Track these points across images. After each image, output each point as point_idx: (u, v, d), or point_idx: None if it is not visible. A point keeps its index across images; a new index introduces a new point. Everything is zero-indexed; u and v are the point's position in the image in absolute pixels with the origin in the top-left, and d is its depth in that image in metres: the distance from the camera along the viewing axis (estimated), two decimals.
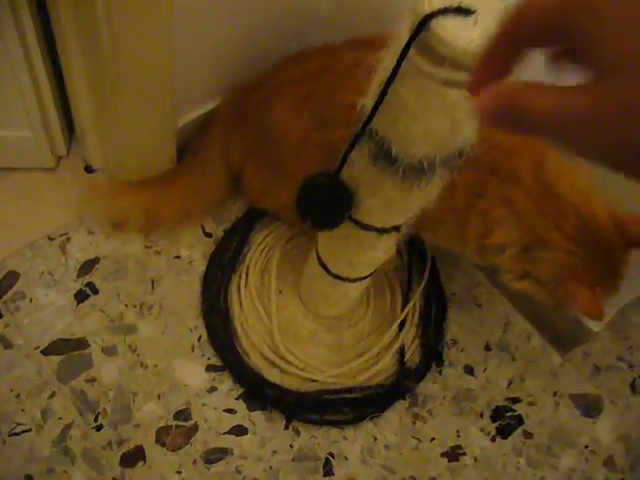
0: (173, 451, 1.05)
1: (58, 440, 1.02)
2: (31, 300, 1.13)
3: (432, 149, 0.67)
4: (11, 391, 1.05)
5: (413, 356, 1.18)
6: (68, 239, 1.19)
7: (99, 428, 1.04)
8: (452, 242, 1.04)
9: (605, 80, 0.29)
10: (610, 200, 0.88)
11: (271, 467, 1.06)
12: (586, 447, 1.17)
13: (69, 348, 1.10)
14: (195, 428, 1.07)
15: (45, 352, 1.09)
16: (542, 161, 0.89)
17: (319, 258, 1.02)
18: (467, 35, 0.54)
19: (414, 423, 1.14)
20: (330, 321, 1.18)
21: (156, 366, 1.11)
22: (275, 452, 1.07)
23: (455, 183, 0.76)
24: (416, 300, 1.22)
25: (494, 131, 0.38)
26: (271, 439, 1.08)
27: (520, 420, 1.17)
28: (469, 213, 0.94)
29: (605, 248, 0.86)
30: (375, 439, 1.11)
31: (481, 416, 1.16)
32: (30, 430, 1.03)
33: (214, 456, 1.06)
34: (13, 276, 1.14)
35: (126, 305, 1.15)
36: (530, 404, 1.19)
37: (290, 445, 1.08)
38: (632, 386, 1.24)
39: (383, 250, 0.92)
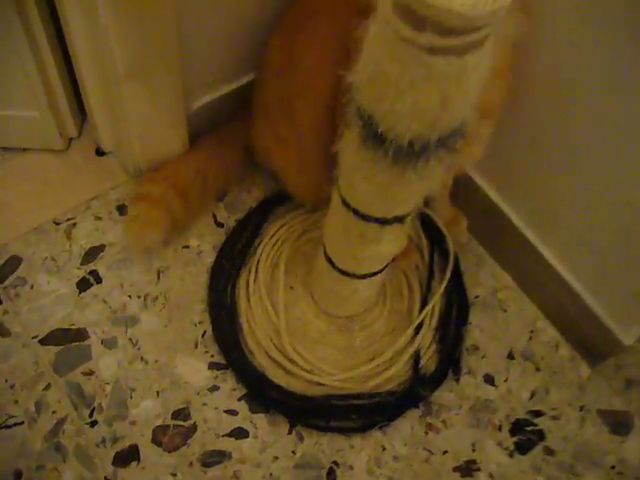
0: (169, 452, 1.00)
1: (50, 435, 0.99)
2: (32, 287, 1.09)
3: (422, 127, 0.60)
4: (6, 381, 1.02)
5: (429, 362, 1.11)
6: (74, 224, 1.15)
7: (93, 424, 1.00)
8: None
9: None
10: None
11: (271, 474, 1.01)
12: (612, 468, 1.08)
13: (68, 339, 1.06)
14: (194, 428, 1.02)
15: (43, 342, 1.05)
16: None
17: (325, 252, 0.96)
18: None
19: (426, 434, 1.07)
20: (342, 321, 1.12)
21: (157, 361, 1.06)
22: (276, 458, 1.02)
23: None
24: (436, 302, 1.14)
25: None
26: (273, 444, 1.03)
27: (541, 435, 1.09)
28: None
29: None
30: (383, 449, 1.05)
31: (499, 429, 1.09)
32: (22, 423, 0.99)
33: (212, 459, 1.01)
34: (15, 261, 1.11)
35: (129, 296, 1.10)
36: (553, 418, 1.10)
37: (293, 451, 1.03)
38: None
39: (388, 244, 0.86)
